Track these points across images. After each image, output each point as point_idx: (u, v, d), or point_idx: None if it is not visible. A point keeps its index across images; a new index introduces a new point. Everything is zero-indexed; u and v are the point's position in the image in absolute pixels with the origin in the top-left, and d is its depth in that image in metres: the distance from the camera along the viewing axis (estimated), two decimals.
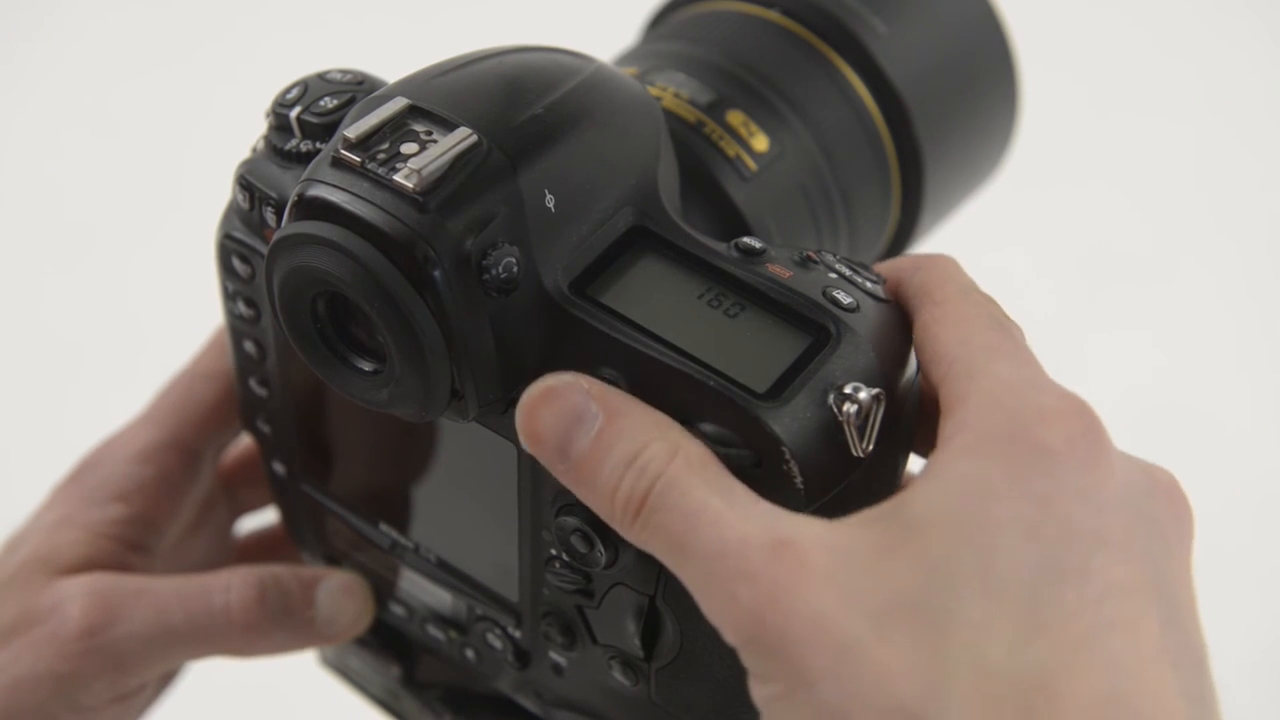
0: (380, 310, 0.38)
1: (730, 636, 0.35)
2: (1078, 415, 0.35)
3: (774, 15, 0.52)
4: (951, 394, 0.37)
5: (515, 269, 0.39)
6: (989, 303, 0.40)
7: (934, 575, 0.33)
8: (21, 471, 1.24)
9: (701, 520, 0.35)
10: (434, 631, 0.51)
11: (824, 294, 0.40)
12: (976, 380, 0.37)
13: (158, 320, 1.37)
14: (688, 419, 0.38)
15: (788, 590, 0.34)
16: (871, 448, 0.38)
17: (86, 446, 0.54)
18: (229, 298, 0.48)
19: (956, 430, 0.36)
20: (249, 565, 0.52)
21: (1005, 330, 0.38)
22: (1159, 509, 0.36)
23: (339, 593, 0.51)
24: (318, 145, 0.43)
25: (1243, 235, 1.48)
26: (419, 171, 0.38)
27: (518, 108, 0.40)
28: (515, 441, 0.42)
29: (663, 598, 0.42)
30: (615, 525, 0.38)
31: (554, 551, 0.43)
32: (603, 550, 0.41)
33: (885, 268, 0.42)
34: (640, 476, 0.37)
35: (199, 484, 0.55)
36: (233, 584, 0.50)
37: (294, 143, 0.43)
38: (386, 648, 0.55)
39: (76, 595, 0.49)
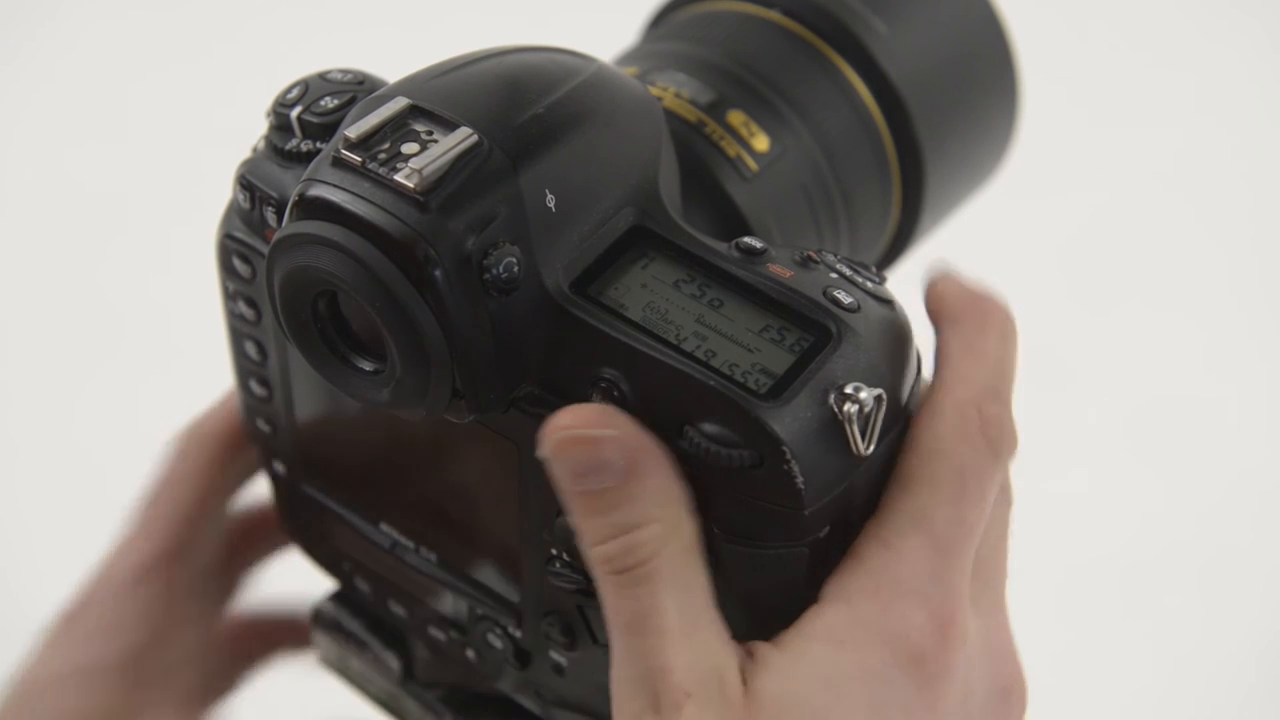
0: (381, 310, 0.38)
1: None
2: (938, 631, 0.38)
3: (775, 15, 0.52)
4: (871, 534, 0.39)
5: (516, 269, 0.39)
6: (992, 423, 0.40)
7: None
8: (24, 471, 1.24)
9: (649, 628, 0.38)
10: (434, 632, 0.51)
11: (825, 294, 0.40)
12: (878, 564, 0.39)
13: (157, 320, 1.37)
14: (688, 419, 0.38)
15: None
16: (873, 448, 0.38)
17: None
18: (229, 298, 0.48)
19: (838, 593, 0.39)
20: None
21: (974, 476, 0.40)
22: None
23: None
24: (318, 145, 0.43)
25: (1246, 234, 1.48)
26: (420, 171, 0.38)
27: (519, 107, 0.40)
28: (515, 441, 0.42)
29: None
30: (587, 560, 0.39)
31: (554, 551, 0.43)
32: None
33: (943, 284, 0.43)
34: (626, 552, 0.38)
35: (207, 573, 0.53)
36: None
37: (295, 142, 0.43)
38: (387, 648, 0.55)
39: None
